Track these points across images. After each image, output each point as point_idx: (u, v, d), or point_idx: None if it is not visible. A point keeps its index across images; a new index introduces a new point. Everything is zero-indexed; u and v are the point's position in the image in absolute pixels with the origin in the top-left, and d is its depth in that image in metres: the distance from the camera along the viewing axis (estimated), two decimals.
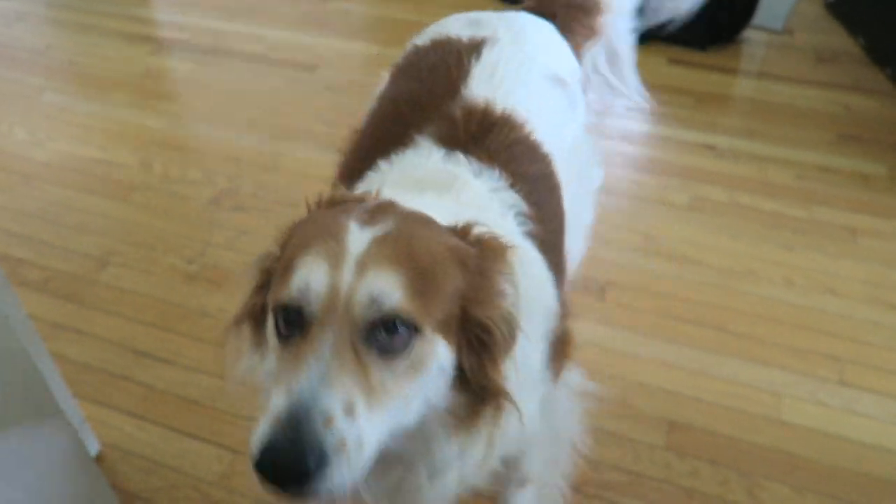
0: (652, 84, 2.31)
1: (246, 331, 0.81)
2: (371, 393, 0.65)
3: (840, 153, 2.01)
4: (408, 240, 0.70)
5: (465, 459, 0.79)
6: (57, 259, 1.62)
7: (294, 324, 0.68)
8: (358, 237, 0.69)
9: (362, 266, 0.67)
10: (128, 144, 2.01)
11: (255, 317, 0.80)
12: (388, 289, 0.66)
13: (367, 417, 0.64)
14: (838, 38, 2.61)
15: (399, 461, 0.79)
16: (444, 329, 0.70)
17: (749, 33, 2.61)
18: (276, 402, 0.63)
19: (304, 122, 2.11)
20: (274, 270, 0.75)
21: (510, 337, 0.74)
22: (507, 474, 1.05)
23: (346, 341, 0.65)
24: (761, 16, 2.61)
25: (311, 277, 0.67)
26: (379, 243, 0.69)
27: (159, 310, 1.51)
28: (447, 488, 0.83)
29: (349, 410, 0.63)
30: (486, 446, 0.79)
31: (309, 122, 2.11)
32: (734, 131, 2.10)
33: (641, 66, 2.42)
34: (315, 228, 0.73)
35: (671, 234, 1.73)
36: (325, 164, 1.90)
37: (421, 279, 0.68)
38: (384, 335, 0.66)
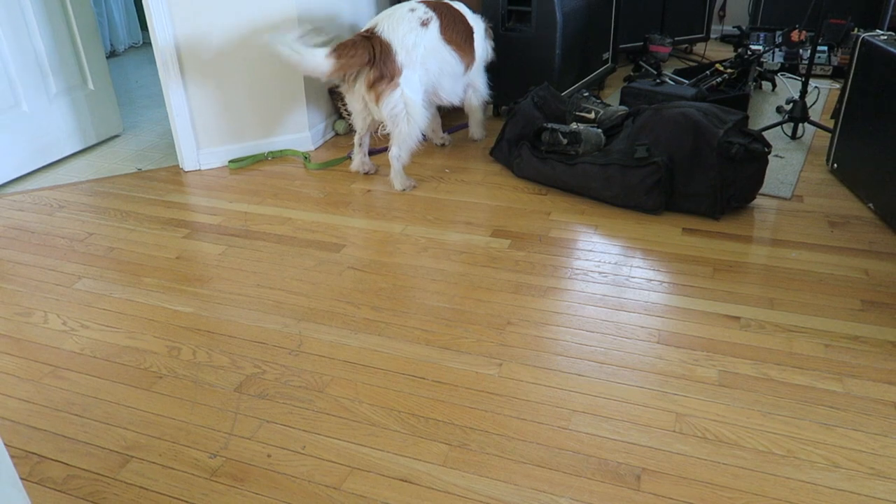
0: (668, 254, 2.37)
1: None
2: None
3: (867, 321, 1.99)
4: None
5: None
6: (79, 455, 1.61)
7: None
8: None
9: None
10: (156, 330, 2.05)
11: None
12: None
13: None
14: (848, 202, 2.68)
15: None
16: None
17: (759, 200, 2.69)
18: None
19: (327, 304, 2.16)
20: None
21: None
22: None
23: None
24: (769, 186, 2.70)
25: None
26: None
27: None
28: None
29: None
30: None
31: (331, 303, 2.16)
32: (755, 300, 2.11)
33: (656, 237, 2.49)
34: None
35: (702, 412, 1.69)
36: (346, 346, 1.92)
37: None
38: None
